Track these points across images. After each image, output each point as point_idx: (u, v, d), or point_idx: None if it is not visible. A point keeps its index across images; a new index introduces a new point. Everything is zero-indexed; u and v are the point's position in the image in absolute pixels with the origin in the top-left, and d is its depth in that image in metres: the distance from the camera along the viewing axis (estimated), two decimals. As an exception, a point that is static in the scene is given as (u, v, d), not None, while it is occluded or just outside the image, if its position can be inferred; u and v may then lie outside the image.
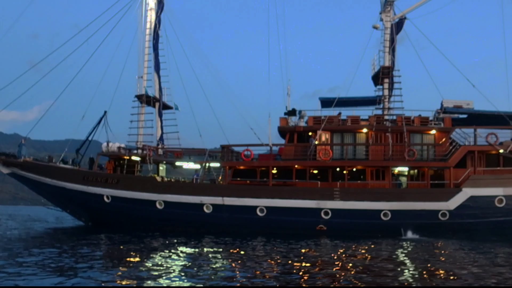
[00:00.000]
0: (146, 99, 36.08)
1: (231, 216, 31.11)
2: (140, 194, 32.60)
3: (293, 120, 33.23)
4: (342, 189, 30.39)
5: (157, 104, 37.38)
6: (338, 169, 31.63)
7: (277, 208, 30.57)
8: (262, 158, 32.51)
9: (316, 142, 31.43)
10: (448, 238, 28.70)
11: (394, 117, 32.52)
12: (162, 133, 37.47)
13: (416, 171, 31.78)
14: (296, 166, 31.53)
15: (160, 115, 37.61)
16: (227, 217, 31.17)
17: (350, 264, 15.85)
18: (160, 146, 36.96)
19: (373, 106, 35.12)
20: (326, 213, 30.20)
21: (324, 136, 32.06)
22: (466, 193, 29.58)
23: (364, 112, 35.06)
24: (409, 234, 29.43)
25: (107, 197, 33.23)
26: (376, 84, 36.43)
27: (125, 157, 34.69)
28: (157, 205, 32.27)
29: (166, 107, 37.79)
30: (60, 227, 35.86)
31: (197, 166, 35.25)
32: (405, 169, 31.91)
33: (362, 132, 31.92)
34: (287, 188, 31.20)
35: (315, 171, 32.04)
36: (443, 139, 31.38)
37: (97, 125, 35.38)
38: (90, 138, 35.71)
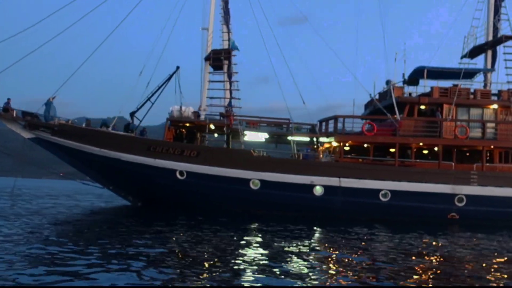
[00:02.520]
0: (227, 55, 29.44)
1: (347, 200, 25.94)
2: (229, 170, 26.37)
3: (406, 91, 28.48)
4: (480, 172, 26.26)
5: (226, 63, 30.90)
6: (465, 149, 27.46)
7: (404, 193, 25.85)
8: (379, 133, 27.41)
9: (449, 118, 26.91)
10: None
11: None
12: (231, 97, 31.07)
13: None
14: (421, 143, 26.92)
15: (230, 76, 31.16)
16: (342, 202, 25.96)
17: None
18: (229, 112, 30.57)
19: (466, 80, 31.17)
20: (460, 200, 25.95)
21: (450, 111, 27.61)
22: None
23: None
24: None
25: (181, 173, 26.65)
26: (471, 56, 32.65)
27: (201, 124, 28.21)
28: (251, 185, 26.27)
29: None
30: (103, 208, 28.73)
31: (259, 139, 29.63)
32: None
33: (490, 108, 27.84)
34: (417, 169, 26.53)
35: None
36: None
37: (166, 83, 28.37)
38: (152, 100, 28.59)
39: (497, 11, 32.47)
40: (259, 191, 26.26)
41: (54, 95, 29.48)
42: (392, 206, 25.80)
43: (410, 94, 29.44)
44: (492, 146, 26.88)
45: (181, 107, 27.83)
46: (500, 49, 32.27)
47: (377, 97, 32.79)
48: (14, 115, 28.26)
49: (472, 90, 28.01)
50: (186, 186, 26.81)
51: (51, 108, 29.18)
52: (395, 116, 26.61)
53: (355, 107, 32.70)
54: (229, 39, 31.22)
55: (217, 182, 26.45)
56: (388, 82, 32.44)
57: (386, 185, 25.78)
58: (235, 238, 15.86)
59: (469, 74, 30.35)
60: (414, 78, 28.75)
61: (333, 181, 25.83)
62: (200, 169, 26.50)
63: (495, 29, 32.36)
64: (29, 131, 28.48)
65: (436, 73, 29.62)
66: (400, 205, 25.77)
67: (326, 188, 25.85)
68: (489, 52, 32.22)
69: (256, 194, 26.30)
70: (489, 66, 31.76)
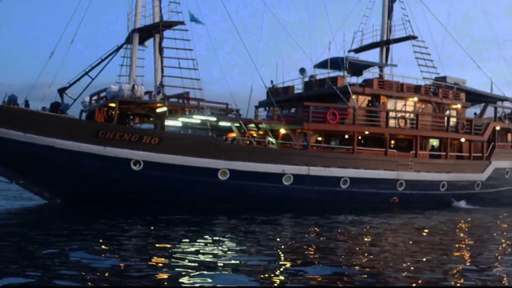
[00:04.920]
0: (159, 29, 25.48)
1: (313, 189, 25.66)
2: (196, 160, 23.48)
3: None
4: (415, 160, 28.80)
5: (157, 37, 27.02)
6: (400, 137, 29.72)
7: (361, 180, 26.81)
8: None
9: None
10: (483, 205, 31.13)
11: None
12: (163, 76, 27.27)
13: (438, 143, 32.38)
14: (366, 132, 28.11)
15: (161, 52, 27.29)
16: (309, 191, 25.57)
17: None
18: (161, 93, 26.82)
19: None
20: (401, 185, 28.14)
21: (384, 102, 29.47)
22: (494, 165, 32.24)
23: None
24: (460, 204, 30.38)
25: (137, 164, 22.72)
26: (358, 51, 35.45)
27: (155, 106, 24.35)
28: (219, 176, 23.89)
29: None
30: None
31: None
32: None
33: (410, 100, 30.60)
34: (371, 157, 27.64)
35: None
36: (463, 114, 33.11)
37: (113, 55, 23.39)
38: (92, 76, 23.31)
39: (390, 12, 35.78)
40: (227, 182, 24.06)
41: None
42: (350, 193, 26.55)
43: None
44: (417, 136, 29.64)
45: (133, 86, 23.42)
46: (392, 47, 35.77)
47: (292, 84, 33.00)
48: None
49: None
50: (142, 179, 22.92)
51: None
52: (353, 105, 27.27)
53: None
54: (153, 9, 27.34)
55: (181, 173, 23.30)
56: (302, 71, 32.90)
57: (347, 173, 26.36)
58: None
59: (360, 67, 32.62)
60: (357, 69, 29.81)
61: (303, 170, 25.28)
62: (162, 158, 22.94)
63: (389, 28, 35.65)
64: None
65: (352, 65, 31.18)
66: (357, 192, 26.70)
67: (296, 177, 25.14)
68: (384, 49, 35.42)
69: (224, 186, 24.03)
70: (383, 62, 34.83)
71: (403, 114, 28.91)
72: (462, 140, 31.71)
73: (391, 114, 28.74)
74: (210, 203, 24.01)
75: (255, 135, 28.10)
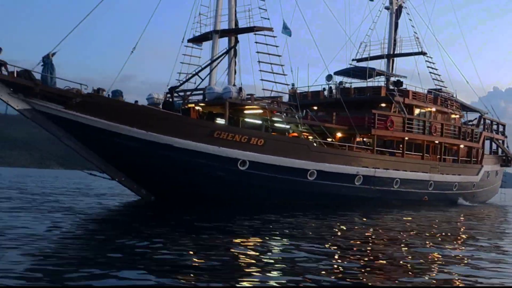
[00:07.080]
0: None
1: (375, 188, 28.54)
2: (292, 161, 25.12)
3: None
4: (441, 163, 32.95)
5: (233, 39, 27.74)
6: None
7: (407, 180, 30.23)
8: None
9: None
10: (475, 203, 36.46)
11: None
12: (236, 78, 28.01)
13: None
14: (406, 138, 31.45)
15: (235, 54, 28.01)
16: (372, 190, 28.38)
17: None
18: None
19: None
20: (431, 185, 32.10)
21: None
22: (484, 168, 37.69)
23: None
24: (464, 202, 35.20)
25: (243, 163, 23.82)
26: (361, 60, 38.83)
27: (253, 108, 25.33)
28: (308, 176, 25.76)
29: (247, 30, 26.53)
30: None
31: None
32: None
33: (428, 110, 34.69)
34: (415, 160, 31.15)
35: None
36: (458, 122, 38.10)
37: (223, 57, 23.79)
38: (203, 72, 23.53)
39: (396, 28, 39.67)
40: (314, 182, 26.00)
41: (54, 51, 21.22)
42: (399, 192, 29.90)
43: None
44: (442, 142, 33.78)
45: (240, 88, 24.23)
46: (397, 59, 39.78)
47: (321, 88, 35.30)
48: (15, 74, 19.38)
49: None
50: (246, 178, 24.05)
51: (52, 69, 20.98)
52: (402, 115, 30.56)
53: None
54: (230, 14, 28.09)
55: (279, 173, 24.81)
56: (329, 77, 35.36)
57: (398, 175, 29.63)
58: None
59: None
60: (398, 81, 33.07)
61: (370, 172, 28.01)
62: (266, 159, 24.26)
63: (395, 43, 39.52)
64: (24, 99, 20.02)
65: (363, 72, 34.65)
66: (403, 191, 30.13)
67: (365, 178, 27.80)
68: (391, 60, 39.29)
69: (311, 186, 25.94)
70: (390, 72, 38.66)
71: (434, 123, 32.87)
72: (462, 146, 36.62)
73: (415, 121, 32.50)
74: (297, 202, 25.72)
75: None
